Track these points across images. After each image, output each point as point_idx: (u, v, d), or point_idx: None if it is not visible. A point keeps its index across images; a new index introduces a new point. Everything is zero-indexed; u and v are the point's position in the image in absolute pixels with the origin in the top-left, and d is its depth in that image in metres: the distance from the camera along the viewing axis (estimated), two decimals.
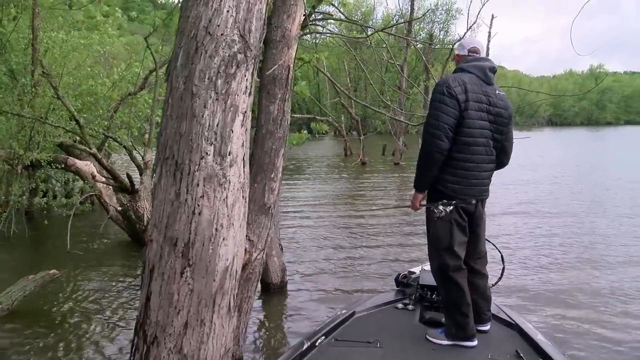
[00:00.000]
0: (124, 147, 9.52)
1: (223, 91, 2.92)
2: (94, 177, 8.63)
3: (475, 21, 7.81)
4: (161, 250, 2.98)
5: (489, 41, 28.53)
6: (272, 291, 5.96)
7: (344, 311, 4.04)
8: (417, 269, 4.76)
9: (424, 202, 3.68)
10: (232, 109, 2.95)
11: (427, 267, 4.42)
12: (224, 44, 2.91)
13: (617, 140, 45.30)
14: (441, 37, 53.03)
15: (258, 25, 3.06)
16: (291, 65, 3.45)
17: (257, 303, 5.79)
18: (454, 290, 3.55)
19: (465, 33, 6.78)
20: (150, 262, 3.04)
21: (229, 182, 2.98)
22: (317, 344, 3.39)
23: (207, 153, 2.90)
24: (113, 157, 13.81)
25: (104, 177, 8.86)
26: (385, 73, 31.34)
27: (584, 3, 4.14)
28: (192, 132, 2.89)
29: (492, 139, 3.55)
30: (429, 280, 4.06)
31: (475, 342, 3.51)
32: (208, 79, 2.89)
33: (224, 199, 2.97)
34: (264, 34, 3.17)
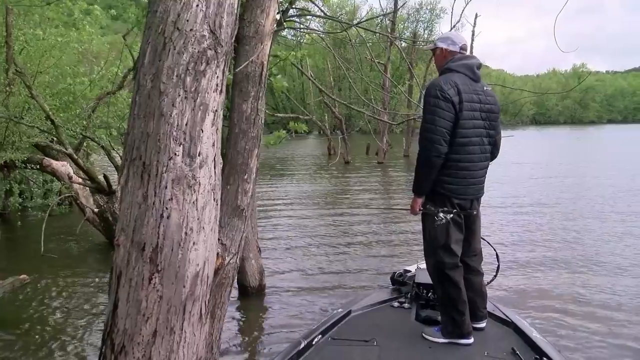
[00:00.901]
0: (102, 147, 9.35)
1: (192, 89, 2.79)
2: (70, 178, 8.44)
3: (459, 20, 7.72)
4: (128, 255, 2.84)
5: (472, 40, 28.53)
6: (250, 294, 5.85)
7: (340, 310, 4.06)
8: (412, 267, 4.78)
9: (427, 206, 3.67)
10: (201, 107, 2.82)
11: (423, 265, 4.46)
12: (193, 40, 2.78)
13: (599, 139, 45.56)
14: (425, 36, 53.03)
15: (229, 20, 2.93)
16: (265, 62, 3.33)
17: (235, 307, 5.68)
18: (450, 288, 3.57)
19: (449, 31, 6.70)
20: (117, 268, 2.90)
21: (199, 184, 2.85)
22: (314, 342, 3.43)
23: (175, 154, 2.77)
24: (93, 158, 13.59)
25: (81, 178, 8.68)
26: (370, 72, 31.28)
27: (565, 2, 4.08)
28: (159, 132, 2.76)
29: (486, 136, 3.59)
30: (425, 278, 4.09)
31: (471, 340, 3.54)
32: (176, 76, 2.76)
33: (193, 202, 2.84)
34: (236, 30, 3.04)
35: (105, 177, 8.34)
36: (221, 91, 2.94)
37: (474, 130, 3.50)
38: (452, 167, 3.49)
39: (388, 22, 27.31)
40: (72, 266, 7.51)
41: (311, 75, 19.13)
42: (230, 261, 3.31)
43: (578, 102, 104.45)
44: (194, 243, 2.87)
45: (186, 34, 2.77)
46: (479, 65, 3.64)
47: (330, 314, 4.08)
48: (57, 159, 9.22)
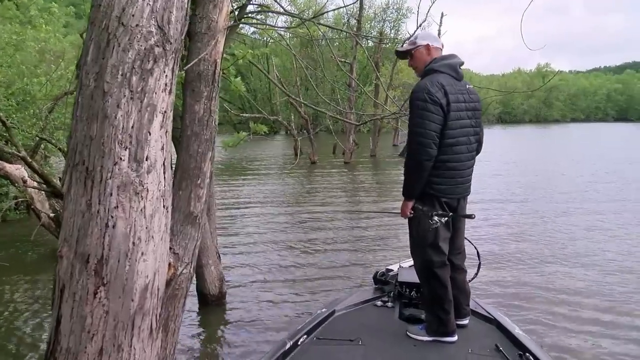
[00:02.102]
0: (59, 149, 9.02)
1: (139, 89, 2.60)
2: (24, 181, 8.11)
3: (425, 19, 7.64)
4: (72, 268, 2.64)
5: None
6: (210, 303, 5.64)
7: (324, 310, 4.07)
8: (394, 267, 4.84)
9: (416, 206, 3.64)
10: (149, 108, 2.64)
11: (405, 264, 4.70)
12: (139, 36, 2.60)
13: (562, 137, 46.26)
14: (392, 35, 53.14)
15: (179, 15, 2.75)
16: (218, 60, 3.15)
17: (194, 317, 5.48)
18: (437, 286, 3.57)
19: (415, 31, 6.61)
20: (60, 282, 2.70)
21: (147, 191, 2.66)
22: (299, 343, 3.44)
23: (121, 158, 2.58)
24: (53, 160, 13.18)
25: (36, 181, 8.34)
26: (337, 71, 31.17)
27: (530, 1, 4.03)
28: (103, 135, 2.57)
29: (472, 135, 3.58)
30: (407, 277, 4.24)
31: (455, 338, 3.55)
32: (121, 75, 2.57)
33: (141, 210, 2.65)
34: (187, 26, 2.86)
35: (61, 180, 8.03)
36: (170, 91, 2.77)
37: (461, 130, 3.49)
38: (441, 167, 3.47)
39: (354, 21, 27.22)
40: (23, 275, 7.19)
41: (277, 75, 18.94)
42: (184, 271, 3.13)
43: (543, 101, 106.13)
44: (142, 253, 2.69)
45: (131, 30, 2.58)
46: (461, 64, 3.62)
47: (314, 314, 4.09)
48: (11, 162, 8.86)
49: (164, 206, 2.79)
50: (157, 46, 2.65)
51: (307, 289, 6.39)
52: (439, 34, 27.87)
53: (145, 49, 2.61)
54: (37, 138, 9.21)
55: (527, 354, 3.28)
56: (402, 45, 3.93)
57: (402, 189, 3.64)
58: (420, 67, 3.69)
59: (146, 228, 2.68)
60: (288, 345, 3.36)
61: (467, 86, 3.62)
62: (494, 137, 43.94)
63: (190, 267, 3.20)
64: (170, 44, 2.71)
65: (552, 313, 5.74)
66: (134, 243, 2.64)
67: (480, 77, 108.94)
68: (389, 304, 4.20)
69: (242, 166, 23.21)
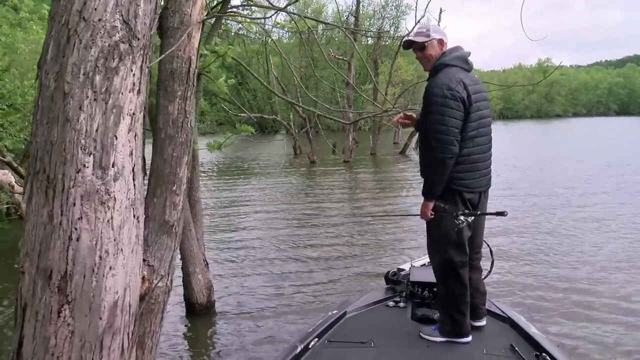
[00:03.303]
0: None
1: (103, 89, 2.39)
2: (12, 186, 7.93)
3: (424, 15, 7.45)
4: (34, 284, 2.43)
5: None
6: (198, 312, 5.42)
7: (335, 311, 4.02)
8: (406, 266, 4.79)
9: (438, 203, 3.50)
10: (114, 110, 2.43)
11: (417, 263, 4.67)
12: (102, 32, 2.38)
13: (564, 132, 46.04)
14: (391, 32, 52.86)
15: (147, 9, 2.53)
16: (193, 57, 2.93)
17: (181, 327, 5.27)
18: (456, 287, 3.48)
19: (414, 27, 6.47)
20: (22, 300, 2.49)
21: (114, 200, 2.45)
22: (310, 346, 3.37)
23: (84, 165, 2.37)
24: None
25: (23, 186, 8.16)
26: (338, 69, 30.92)
27: None
28: (65, 140, 2.36)
29: (489, 125, 3.51)
30: (420, 277, 4.18)
31: (469, 339, 3.44)
32: (83, 74, 2.36)
33: (108, 220, 2.44)
34: (156, 20, 2.65)
35: (22, 189, 7.80)
36: (139, 91, 2.55)
37: (480, 121, 3.40)
38: (464, 161, 3.36)
39: (352, 18, 27.01)
40: (7, 283, 6.98)
41: (274, 74, 18.73)
42: (160, 284, 2.92)
43: (544, 96, 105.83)
44: (110, 268, 2.48)
45: (94, 25, 2.37)
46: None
47: (326, 316, 4.03)
48: None
49: (134, 216, 2.58)
50: (123, 42, 2.44)
51: (300, 296, 6.13)
52: None
53: (109, 45, 2.40)
54: (27, 141, 9.03)
55: (544, 354, 3.19)
56: (406, 36, 3.79)
57: (422, 189, 3.53)
58: (430, 61, 3.54)
59: (114, 240, 2.47)
60: (299, 349, 3.30)
61: (476, 76, 3.55)
62: (495, 133, 43.57)
63: (167, 279, 2.99)
64: (138, 39, 2.49)
65: (565, 308, 5.68)
66: (100, 257, 2.43)
67: (480, 73, 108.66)
68: (401, 304, 4.13)
69: (240, 166, 22.96)
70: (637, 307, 5.70)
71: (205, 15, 3.16)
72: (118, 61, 2.42)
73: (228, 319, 5.39)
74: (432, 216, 3.49)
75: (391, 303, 4.17)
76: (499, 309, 3.93)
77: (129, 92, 2.48)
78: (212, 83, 4.46)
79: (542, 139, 38.61)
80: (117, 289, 2.52)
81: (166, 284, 2.98)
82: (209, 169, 21.62)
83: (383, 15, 53.28)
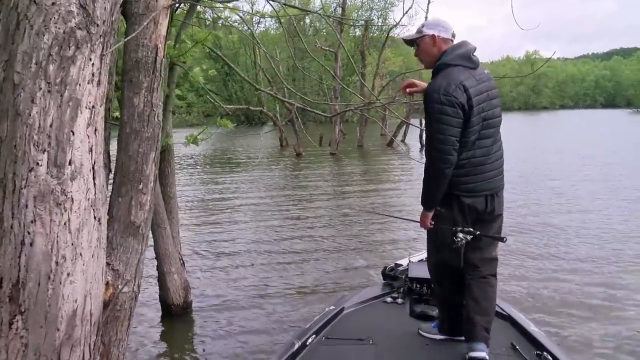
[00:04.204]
0: None
1: (57, 80, 2.19)
2: None
3: (411, 6, 7.24)
4: None
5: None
6: (174, 314, 5.19)
7: (332, 307, 3.96)
8: (403, 261, 4.72)
9: (440, 209, 3.29)
10: (71, 103, 2.22)
11: (414, 258, 4.57)
12: (56, 17, 2.18)
13: (552, 124, 46.17)
14: (379, 24, 52.57)
15: None
16: (160, 46, 2.72)
17: (157, 329, 5.06)
18: (448, 290, 3.37)
19: (401, 18, 6.26)
20: None
21: (72, 200, 2.25)
22: (307, 343, 3.34)
23: (37, 163, 2.17)
24: None
25: None
26: (324, 61, 30.65)
27: None
28: (15, 136, 2.15)
29: (498, 125, 3.26)
30: (418, 272, 4.10)
31: None
32: (35, 64, 2.15)
33: (64, 223, 2.24)
34: (119, 4, 2.44)
35: None
36: (99, 82, 2.35)
37: (484, 122, 3.15)
38: (464, 165, 3.14)
39: (339, 9, 26.79)
40: None
41: (260, 66, 18.47)
42: (125, 289, 2.72)
43: (531, 88, 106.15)
44: (68, 274, 2.28)
45: (46, 9, 2.16)
46: (474, 50, 3.25)
47: (323, 312, 3.94)
48: None
49: (94, 217, 2.38)
50: (80, 29, 2.23)
51: (282, 294, 5.88)
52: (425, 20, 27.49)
53: (64, 32, 2.19)
54: None
55: (545, 353, 3.15)
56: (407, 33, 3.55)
57: (420, 199, 3.31)
58: (426, 59, 3.32)
59: (72, 244, 2.27)
60: (297, 346, 3.25)
61: (485, 71, 3.29)
62: None
63: (134, 284, 2.79)
64: (97, 26, 2.29)
65: (562, 306, 5.61)
66: (57, 263, 2.23)
67: None
68: (399, 300, 4.09)
69: (224, 159, 22.59)
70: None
71: (177, 1, 2.94)
72: (74, 49, 2.22)
73: (206, 320, 5.18)
74: (432, 225, 3.29)
75: (389, 299, 4.13)
76: (499, 307, 3.80)
77: (88, 83, 2.28)
78: (193, 77, 4.25)
79: (531, 131, 38.72)
80: (76, 296, 2.32)
81: (133, 289, 2.78)
82: (191, 161, 21.31)
83: (371, 6, 53.05)
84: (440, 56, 3.21)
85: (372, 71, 29.58)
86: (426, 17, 27.64)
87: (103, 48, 2.34)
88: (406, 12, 18.49)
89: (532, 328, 3.58)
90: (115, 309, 2.69)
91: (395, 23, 31.03)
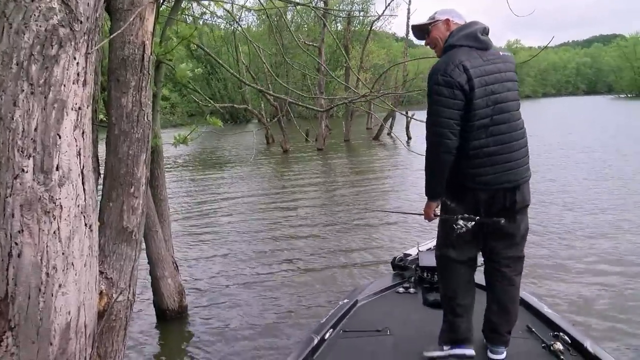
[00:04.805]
0: None
1: (41, 81, 2.07)
2: None
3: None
4: None
5: (408, 18, 28.01)
6: (169, 319, 5.06)
7: (346, 300, 4.01)
8: (412, 251, 4.75)
9: (449, 203, 3.13)
10: (56, 105, 2.10)
11: (423, 247, 4.64)
12: (37, 14, 2.06)
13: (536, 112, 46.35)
14: (360, 18, 52.47)
15: None
16: (147, 43, 2.60)
17: (152, 335, 4.93)
18: (451, 283, 3.18)
19: (384, 10, 6.18)
20: None
21: (61, 208, 2.14)
22: (325, 337, 3.36)
23: (23, 170, 2.05)
24: None
25: None
26: (308, 57, 30.52)
27: None
28: None
29: (515, 110, 3.01)
30: (428, 261, 4.07)
31: (469, 351, 3.10)
32: (16, 64, 2.04)
33: (54, 232, 2.13)
34: (103, 0, 2.32)
35: None
36: (85, 82, 2.23)
37: (496, 107, 2.91)
38: (477, 155, 2.92)
39: (321, 3, 26.64)
40: None
41: (243, 63, 18.29)
42: (120, 298, 2.61)
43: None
44: (60, 285, 2.17)
45: (26, 7, 2.04)
46: (484, 30, 3.03)
47: (337, 305, 4.00)
48: None
49: (85, 224, 2.27)
50: (63, 26, 2.11)
51: (279, 295, 5.74)
52: (408, 13, 27.46)
53: (46, 30, 2.07)
54: None
55: (562, 334, 3.19)
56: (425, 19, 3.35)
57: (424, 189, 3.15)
58: (440, 45, 3.13)
59: (63, 254, 2.16)
60: (316, 341, 3.27)
61: (502, 54, 3.07)
62: None
63: (129, 292, 2.67)
64: (80, 23, 2.17)
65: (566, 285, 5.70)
66: (47, 274, 2.12)
67: None
68: (411, 290, 4.13)
69: (211, 158, 22.37)
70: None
71: None
72: (58, 48, 2.10)
73: (202, 324, 5.05)
74: (436, 216, 3.16)
75: (401, 289, 4.17)
76: None
77: (73, 83, 2.16)
78: (176, 71, 4.12)
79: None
80: (69, 308, 2.21)
81: (128, 297, 2.66)
82: (178, 162, 21.10)
83: (352, 0, 52.89)
84: (446, 40, 3.06)
85: (356, 64, 29.48)
86: (409, 10, 27.67)
87: (88, 46, 2.22)
88: (388, 5, 18.42)
89: (547, 310, 3.59)
90: (110, 319, 2.58)
91: (378, 16, 30.84)
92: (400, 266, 4.54)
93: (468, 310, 3.14)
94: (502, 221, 2.96)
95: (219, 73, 50.21)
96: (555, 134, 24.89)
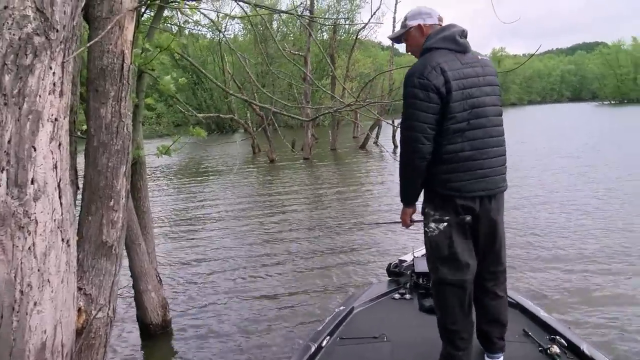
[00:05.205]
0: None
1: (15, 92, 1.99)
2: None
3: (379, 7, 7.08)
4: None
5: (394, 27, 28.11)
6: (153, 333, 4.93)
7: (342, 307, 4.00)
8: (407, 257, 4.77)
9: (426, 210, 3.02)
10: (31, 116, 2.03)
11: (418, 253, 4.59)
12: (10, 22, 1.98)
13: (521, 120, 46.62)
14: (346, 27, 52.64)
15: None
16: (127, 52, 2.53)
17: (136, 350, 4.81)
18: (449, 312, 2.98)
19: (370, 19, 6.18)
20: None
21: (36, 222, 2.06)
22: (323, 345, 3.35)
23: None
24: None
25: None
26: (294, 67, 30.54)
27: None
28: None
29: (493, 115, 2.91)
30: (424, 267, 3.98)
31: None
32: None
33: (29, 248, 2.05)
34: (80, 8, 2.25)
35: None
36: (62, 93, 2.16)
37: (473, 111, 2.82)
38: (452, 159, 2.82)
39: (307, 12, 26.65)
40: None
41: (229, 72, 18.25)
42: (100, 315, 2.52)
43: (499, 85, 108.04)
44: (35, 304, 2.08)
45: None
46: (463, 33, 2.95)
47: (333, 312, 3.96)
48: None
49: (62, 240, 2.19)
50: (38, 35, 2.04)
51: (264, 308, 5.62)
52: (394, 21, 27.54)
53: (20, 38, 2.00)
54: None
55: (559, 337, 3.22)
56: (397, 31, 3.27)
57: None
58: (418, 52, 3.05)
59: (38, 270, 2.08)
60: (313, 349, 3.26)
61: (480, 57, 3.00)
62: None
63: (109, 308, 2.59)
64: (57, 31, 2.10)
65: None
66: (22, 292, 2.04)
67: None
68: (407, 296, 4.14)
69: (197, 168, 22.17)
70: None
71: (142, 3, 2.76)
72: (32, 57, 2.03)
73: (186, 339, 4.93)
74: (412, 223, 3.10)
75: (397, 295, 4.18)
76: (508, 295, 3.68)
77: (49, 94, 2.09)
78: (159, 82, 4.04)
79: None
80: (45, 327, 2.13)
81: (107, 313, 2.58)
82: (164, 172, 20.93)
83: (338, 9, 53.07)
84: (424, 41, 2.98)
85: (342, 74, 29.51)
86: (394, 18, 27.75)
87: (64, 55, 2.15)
88: (374, 14, 18.47)
89: (542, 314, 3.61)
90: (89, 337, 2.49)
91: (363, 25, 30.92)
92: (396, 272, 4.55)
93: (469, 344, 3.01)
94: (468, 218, 2.88)
95: (205, 83, 50.16)
96: (540, 139, 25.09)
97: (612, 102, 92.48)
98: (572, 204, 10.14)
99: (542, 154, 18.93)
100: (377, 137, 27.83)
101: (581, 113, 55.60)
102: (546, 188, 12.09)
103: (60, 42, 2.12)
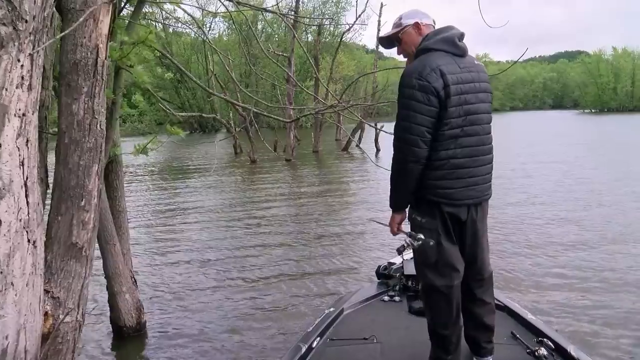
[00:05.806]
0: None
1: None
2: None
3: (364, 10, 7.02)
4: None
5: (379, 30, 28.09)
6: (127, 336, 4.80)
7: (332, 309, 4.01)
8: (396, 259, 4.71)
9: (413, 216, 2.95)
10: None
11: (407, 255, 4.44)
12: None
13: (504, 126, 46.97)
14: (331, 29, 52.62)
15: None
16: (102, 46, 2.43)
17: (107, 353, 4.69)
18: (439, 317, 2.97)
19: (355, 21, 6.16)
20: None
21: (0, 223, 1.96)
22: (313, 346, 3.36)
23: None
24: None
25: None
26: (278, 68, 30.47)
27: None
28: None
29: (485, 123, 2.85)
30: (413, 269, 3.84)
31: None
32: None
33: None
34: None
35: None
36: (30, 86, 2.06)
37: (468, 117, 2.75)
38: (444, 166, 2.74)
39: (292, 13, 26.57)
40: None
41: (212, 72, 18.10)
42: (68, 319, 2.42)
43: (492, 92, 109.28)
44: None
45: None
46: (461, 36, 2.86)
47: (323, 314, 3.95)
48: None
49: (28, 240, 2.09)
50: (4, 24, 1.95)
51: (241, 311, 5.54)
52: (378, 24, 27.54)
53: None
54: None
55: (546, 340, 3.23)
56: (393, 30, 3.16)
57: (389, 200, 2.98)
58: (412, 50, 2.94)
59: (1, 273, 1.98)
60: (303, 350, 3.26)
61: (476, 62, 2.91)
62: None
63: (78, 312, 2.49)
64: (25, 22, 2.00)
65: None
66: None
67: None
68: (397, 298, 4.16)
69: (176, 168, 21.91)
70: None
71: None
72: None
73: (161, 341, 4.80)
74: (399, 231, 3.00)
75: (386, 297, 4.20)
76: (496, 298, 3.65)
77: (16, 87, 1.99)
78: (136, 77, 3.92)
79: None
80: (7, 332, 2.03)
81: (76, 317, 2.48)
82: (143, 171, 20.68)
83: (323, 11, 53.08)
84: (420, 43, 2.88)
85: (326, 75, 29.46)
86: (379, 21, 27.75)
87: (34, 47, 2.05)
88: (359, 16, 18.37)
89: (530, 317, 3.63)
90: (56, 342, 2.39)
91: (349, 27, 30.93)
92: (385, 275, 4.55)
93: (458, 347, 2.99)
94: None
95: (188, 82, 49.82)
96: (522, 145, 25.26)
97: (593, 110, 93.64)
98: (556, 209, 10.18)
99: (525, 160, 19.07)
100: (360, 140, 27.82)
101: (564, 120, 56.29)
102: (531, 192, 12.16)
103: (30, 33, 2.03)
